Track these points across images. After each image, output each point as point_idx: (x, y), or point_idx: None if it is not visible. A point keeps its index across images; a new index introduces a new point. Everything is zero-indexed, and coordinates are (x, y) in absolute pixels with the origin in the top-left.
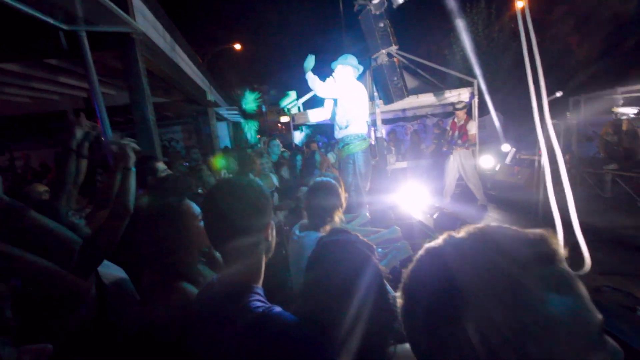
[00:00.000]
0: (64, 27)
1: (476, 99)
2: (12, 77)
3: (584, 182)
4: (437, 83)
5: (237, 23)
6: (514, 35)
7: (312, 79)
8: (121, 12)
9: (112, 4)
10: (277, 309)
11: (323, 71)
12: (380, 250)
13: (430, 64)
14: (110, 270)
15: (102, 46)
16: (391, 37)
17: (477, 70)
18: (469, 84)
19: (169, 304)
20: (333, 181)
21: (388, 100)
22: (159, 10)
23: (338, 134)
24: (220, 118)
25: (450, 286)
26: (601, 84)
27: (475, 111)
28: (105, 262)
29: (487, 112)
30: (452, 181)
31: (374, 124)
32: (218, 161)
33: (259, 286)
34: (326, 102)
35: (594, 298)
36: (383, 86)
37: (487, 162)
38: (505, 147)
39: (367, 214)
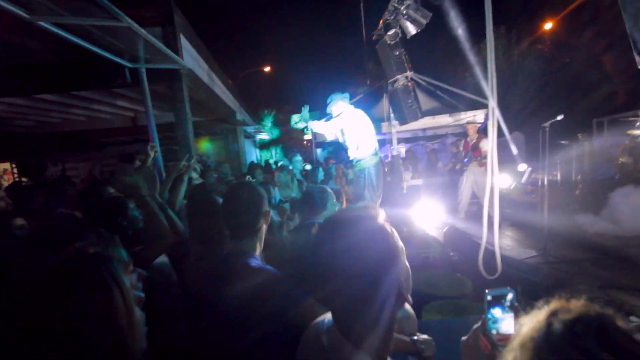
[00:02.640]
0: (129, 65)
1: (494, 119)
2: (78, 100)
3: (598, 202)
4: (456, 104)
5: (267, 47)
6: (536, 57)
7: (316, 126)
8: (172, 53)
9: (166, 49)
10: (268, 267)
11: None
12: None
13: (445, 87)
14: None
15: (157, 79)
16: (406, 64)
17: (490, 92)
18: (485, 106)
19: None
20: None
21: (403, 121)
22: (200, 45)
23: (352, 155)
24: (248, 135)
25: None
26: (627, 107)
27: (492, 131)
28: None
29: (508, 132)
30: (465, 198)
31: (390, 142)
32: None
33: (257, 254)
34: (330, 122)
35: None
36: (398, 108)
37: (504, 181)
38: (522, 167)
39: None
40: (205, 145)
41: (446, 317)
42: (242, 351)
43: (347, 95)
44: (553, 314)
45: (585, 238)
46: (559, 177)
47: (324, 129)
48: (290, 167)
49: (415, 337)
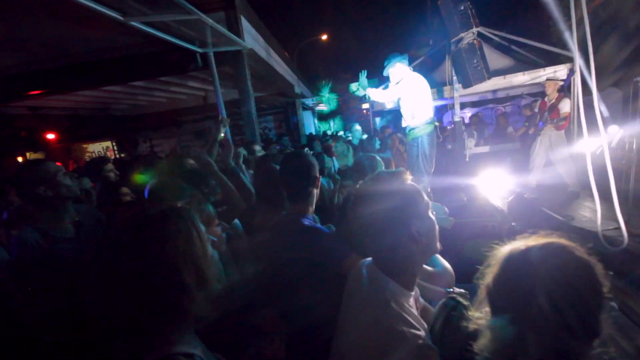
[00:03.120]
0: (200, 50)
1: (578, 77)
2: (159, 84)
3: None
4: (535, 58)
5: (324, 14)
6: None
7: (375, 94)
8: (235, 37)
9: (231, 34)
10: (318, 225)
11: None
12: None
13: (521, 40)
14: None
15: (223, 61)
16: (472, 19)
17: (574, 46)
18: (570, 59)
19: None
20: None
21: (467, 83)
22: (259, 23)
23: (405, 123)
24: (307, 107)
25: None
26: None
27: (578, 89)
28: None
29: (603, 89)
30: (539, 165)
31: (451, 108)
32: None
33: (310, 214)
34: (388, 90)
35: None
36: (462, 69)
37: (591, 145)
38: (613, 129)
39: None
40: (266, 119)
41: None
42: (296, 294)
43: (405, 56)
44: None
45: None
46: None
47: (383, 96)
48: (350, 137)
49: (450, 289)
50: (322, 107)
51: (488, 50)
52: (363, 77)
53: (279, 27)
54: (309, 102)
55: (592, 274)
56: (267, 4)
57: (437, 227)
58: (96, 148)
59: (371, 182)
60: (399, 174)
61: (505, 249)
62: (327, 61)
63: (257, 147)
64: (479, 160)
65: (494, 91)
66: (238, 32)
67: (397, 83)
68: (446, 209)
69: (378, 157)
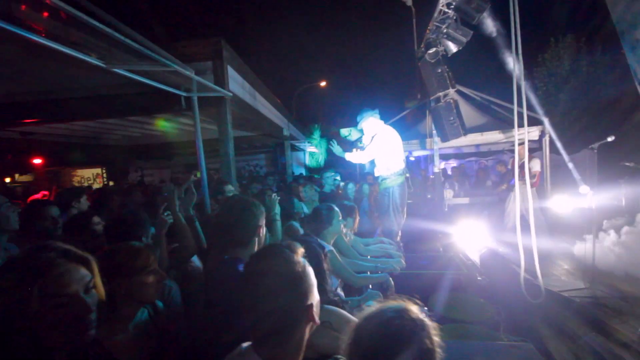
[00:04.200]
0: (184, 94)
1: (547, 138)
2: (151, 119)
3: None
4: (512, 118)
5: (321, 66)
6: (609, 66)
7: (353, 157)
8: (216, 87)
9: (209, 83)
10: None
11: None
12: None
13: (496, 101)
14: None
15: (207, 104)
16: (448, 81)
17: (539, 110)
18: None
19: None
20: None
21: (444, 138)
22: (247, 71)
23: (377, 173)
24: (298, 149)
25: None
26: None
27: (546, 150)
28: None
29: (576, 150)
30: (512, 221)
31: (431, 160)
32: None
33: None
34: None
35: None
36: (440, 125)
37: (561, 203)
38: (583, 190)
39: (395, 242)
40: (259, 157)
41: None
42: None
43: (377, 111)
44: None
45: None
46: (623, 203)
47: (360, 158)
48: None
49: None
50: (313, 149)
51: (467, 108)
52: (335, 146)
53: (273, 74)
54: (301, 143)
55: (413, 334)
56: (264, 53)
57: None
58: (86, 174)
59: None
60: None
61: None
62: (322, 107)
63: (230, 187)
64: (458, 211)
65: (477, 145)
66: (223, 80)
67: (372, 137)
68: (400, 253)
69: (335, 208)
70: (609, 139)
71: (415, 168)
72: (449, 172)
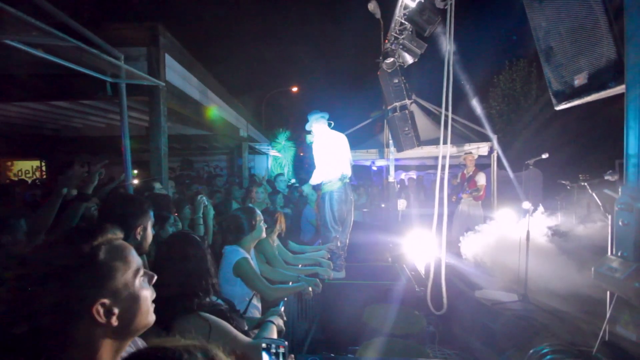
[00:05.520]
0: (110, 80)
1: (495, 154)
2: (94, 109)
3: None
4: (468, 134)
5: (292, 70)
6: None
7: (316, 178)
8: (147, 75)
9: (140, 73)
10: None
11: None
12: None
13: (453, 116)
14: None
15: (138, 92)
16: (405, 92)
17: (488, 127)
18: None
19: None
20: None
21: (399, 148)
22: (196, 66)
23: (318, 178)
24: (260, 152)
25: None
26: None
27: (494, 165)
28: None
29: (521, 169)
30: (456, 232)
31: (398, 169)
32: None
33: None
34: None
35: None
36: (395, 135)
37: (505, 216)
38: (526, 205)
39: (331, 248)
40: (219, 158)
41: (381, 357)
42: None
43: (326, 114)
44: None
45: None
46: (558, 219)
47: (321, 176)
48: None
49: None
50: (276, 154)
51: (426, 121)
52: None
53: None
54: (262, 147)
55: None
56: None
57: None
58: (25, 166)
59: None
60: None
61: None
62: (294, 113)
63: (158, 185)
64: (411, 221)
65: (436, 158)
66: (158, 68)
67: (319, 140)
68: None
69: (257, 211)
70: (543, 156)
71: (377, 178)
72: (406, 183)
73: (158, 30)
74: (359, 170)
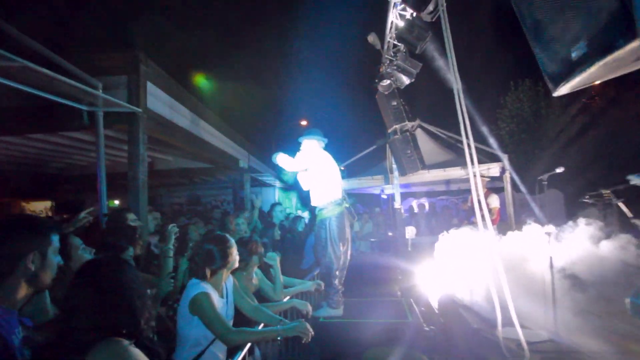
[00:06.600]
0: (86, 108)
1: (507, 175)
2: (81, 142)
3: None
4: (478, 155)
5: (299, 100)
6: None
7: (281, 158)
8: (122, 102)
9: (115, 100)
10: None
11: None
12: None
13: (456, 137)
14: None
15: (117, 121)
16: (405, 114)
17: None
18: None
19: None
20: None
21: (402, 172)
22: (185, 95)
23: (313, 203)
24: (264, 184)
25: None
26: None
27: (508, 186)
28: None
29: (541, 190)
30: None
31: (413, 196)
32: None
33: None
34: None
35: None
36: (398, 159)
37: (521, 240)
38: (549, 229)
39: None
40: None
41: None
42: None
43: (324, 138)
44: None
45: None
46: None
47: (290, 164)
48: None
49: None
50: (281, 186)
51: (432, 145)
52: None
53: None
54: (267, 178)
55: None
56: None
57: None
58: (38, 207)
59: None
60: None
61: None
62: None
63: (132, 216)
64: (422, 250)
65: (447, 183)
66: (137, 96)
67: (309, 157)
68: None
69: (231, 240)
70: (558, 170)
71: (386, 206)
72: (415, 210)
73: (139, 58)
74: (365, 197)
